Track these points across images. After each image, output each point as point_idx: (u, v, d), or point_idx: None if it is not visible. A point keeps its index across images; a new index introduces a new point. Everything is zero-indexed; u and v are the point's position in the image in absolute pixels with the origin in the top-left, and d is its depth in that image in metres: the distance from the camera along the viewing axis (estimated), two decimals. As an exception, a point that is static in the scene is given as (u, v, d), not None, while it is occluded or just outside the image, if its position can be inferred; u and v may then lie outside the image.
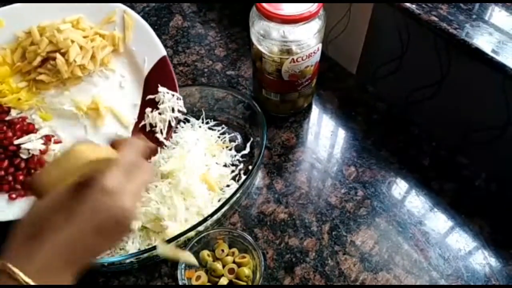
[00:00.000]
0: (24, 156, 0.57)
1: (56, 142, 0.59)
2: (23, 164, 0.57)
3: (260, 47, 0.65)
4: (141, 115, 0.62)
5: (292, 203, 0.65)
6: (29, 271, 0.31)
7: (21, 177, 0.56)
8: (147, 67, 0.61)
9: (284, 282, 0.57)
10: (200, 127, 0.72)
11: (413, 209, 0.64)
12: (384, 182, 0.67)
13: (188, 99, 0.73)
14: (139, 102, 0.62)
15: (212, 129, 0.72)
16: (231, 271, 0.56)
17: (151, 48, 0.61)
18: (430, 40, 0.63)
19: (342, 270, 0.58)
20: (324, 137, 0.73)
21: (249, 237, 0.56)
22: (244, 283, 0.55)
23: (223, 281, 0.55)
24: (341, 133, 0.74)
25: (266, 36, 0.64)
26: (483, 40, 0.57)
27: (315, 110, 0.78)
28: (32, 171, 0.57)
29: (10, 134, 0.56)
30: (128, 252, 0.58)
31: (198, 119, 0.74)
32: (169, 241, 0.54)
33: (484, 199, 0.65)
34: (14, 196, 0.56)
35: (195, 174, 0.62)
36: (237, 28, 0.92)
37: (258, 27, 0.64)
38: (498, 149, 0.64)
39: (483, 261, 0.59)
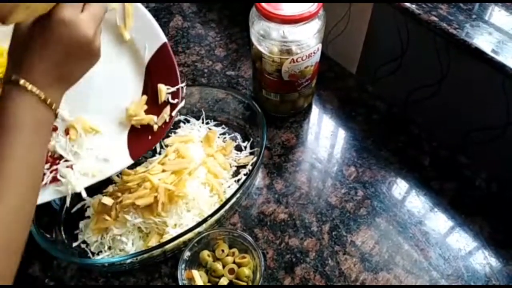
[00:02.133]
0: None
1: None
2: None
3: (260, 47, 0.65)
4: None
5: (292, 203, 0.65)
6: (32, 81, 0.40)
7: None
8: (147, 55, 0.61)
9: (284, 282, 0.57)
10: (200, 127, 0.72)
11: (413, 209, 0.64)
12: (384, 182, 0.67)
13: (188, 99, 0.73)
14: (140, 90, 0.61)
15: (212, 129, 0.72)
16: (231, 271, 0.56)
17: (152, 36, 0.60)
18: (430, 40, 0.63)
19: (342, 270, 0.58)
20: (324, 137, 0.73)
21: (249, 237, 0.56)
22: (244, 283, 0.55)
23: (223, 281, 0.55)
24: (341, 133, 0.74)
25: (266, 36, 0.64)
26: (483, 40, 0.57)
27: (315, 110, 0.78)
28: None
29: None
30: (128, 253, 0.58)
31: (198, 119, 0.74)
32: (169, 241, 0.54)
33: (485, 199, 0.65)
34: None
35: (198, 178, 0.63)
36: (237, 29, 0.92)
37: (258, 27, 0.64)
38: (498, 148, 0.64)
39: (483, 261, 0.59)
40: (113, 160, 0.58)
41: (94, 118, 0.59)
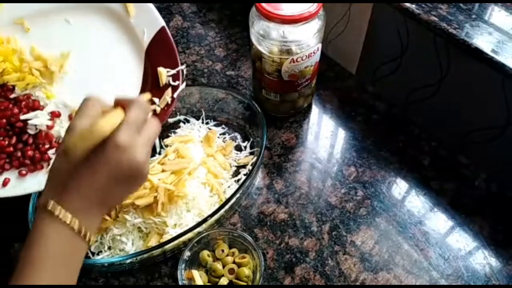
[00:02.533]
0: (32, 132, 0.58)
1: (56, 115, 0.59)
2: (31, 140, 0.58)
3: (260, 47, 0.65)
4: (143, 89, 0.62)
5: (292, 203, 0.65)
6: (66, 208, 0.38)
7: (29, 153, 0.57)
8: (146, 40, 0.61)
9: (284, 282, 0.57)
10: (200, 127, 0.72)
11: (413, 209, 0.64)
12: (384, 182, 0.67)
13: (188, 99, 0.73)
14: (141, 75, 0.62)
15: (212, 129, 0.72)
16: (231, 271, 0.56)
17: (150, 20, 0.61)
18: (429, 40, 0.63)
19: (342, 270, 0.58)
20: (324, 137, 0.73)
21: (249, 237, 0.56)
22: (244, 283, 0.55)
23: (223, 281, 0.55)
24: (341, 133, 0.74)
25: (266, 36, 0.64)
26: (482, 40, 0.57)
27: (315, 110, 0.78)
28: (40, 146, 0.58)
29: (16, 111, 0.57)
30: (128, 253, 0.58)
31: (198, 119, 0.74)
32: (169, 241, 0.54)
33: (484, 199, 0.65)
34: (24, 172, 0.57)
35: (198, 178, 0.63)
36: (236, 29, 0.92)
37: (257, 27, 0.64)
38: (498, 148, 0.64)
39: (483, 260, 0.59)
40: None
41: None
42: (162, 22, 0.60)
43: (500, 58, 0.54)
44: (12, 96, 0.58)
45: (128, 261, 0.54)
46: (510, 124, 0.60)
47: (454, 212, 0.63)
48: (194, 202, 0.61)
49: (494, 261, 0.58)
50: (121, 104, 0.41)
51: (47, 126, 0.58)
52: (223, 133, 0.73)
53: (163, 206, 0.58)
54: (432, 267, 0.58)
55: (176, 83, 0.61)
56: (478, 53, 0.56)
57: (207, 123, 0.74)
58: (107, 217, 0.59)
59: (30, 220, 0.56)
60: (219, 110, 0.74)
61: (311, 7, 0.60)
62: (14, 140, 0.57)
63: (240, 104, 0.72)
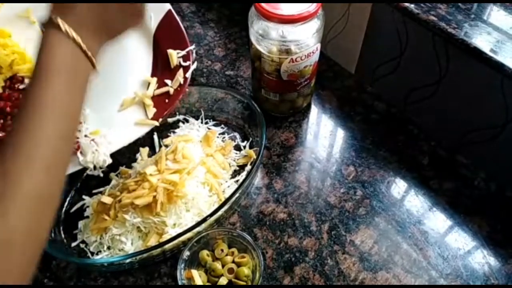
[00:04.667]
0: None
1: None
2: None
3: (259, 47, 0.65)
4: (154, 72, 0.64)
5: (291, 202, 0.65)
6: (70, 24, 0.38)
7: None
8: (154, 24, 0.62)
9: (283, 281, 0.57)
10: (199, 127, 0.72)
11: (412, 208, 0.64)
12: (383, 182, 0.67)
13: (187, 99, 0.73)
14: (151, 59, 0.64)
15: (211, 129, 0.72)
16: (230, 271, 0.56)
17: (156, 5, 0.62)
18: (428, 39, 0.64)
19: (342, 269, 0.58)
20: (323, 136, 0.74)
21: (248, 237, 0.56)
22: (244, 283, 0.55)
23: (223, 281, 0.55)
24: (340, 133, 0.74)
25: (265, 36, 0.64)
26: (481, 40, 0.57)
27: (314, 110, 0.78)
28: None
29: None
30: (127, 253, 0.58)
31: (197, 119, 0.74)
32: (168, 241, 0.54)
33: (483, 198, 0.65)
34: None
35: (197, 178, 0.63)
36: (236, 28, 0.92)
37: (257, 27, 0.64)
38: (497, 148, 0.64)
39: (482, 260, 0.59)
40: (134, 127, 0.60)
41: (109, 92, 0.61)
42: (168, 5, 0.61)
43: (499, 57, 0.55)
44: (22, 87, 0.58)
45: (128, 261, 0.54)
46: (509, 124, 0.61)
47: (453, 212, 0.63)
48: (194, 201, 0.61)
49: (493, 261, 0.59)
50: None
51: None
52: (222, 133, 0.73)
53: (162, 206, 0.58)
54: (431, 267, 0.58)
55: (187, 63, 0.62)
56: (477, 53, 0.56)
57: (206, 123, 0.74)
58: (106, 217, 0.59)
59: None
60: (218, 109, 0.74)
61: (310, 7, 0.60)
62: None
63: (239, 104, 0.72)
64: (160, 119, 0.61)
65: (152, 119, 0.61)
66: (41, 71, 0.38)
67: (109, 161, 0.57)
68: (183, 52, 0.62)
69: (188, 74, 0.62)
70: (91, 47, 0.40)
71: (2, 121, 0.57)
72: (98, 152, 0.56)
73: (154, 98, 0.63)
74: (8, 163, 0.34)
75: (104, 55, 0.60)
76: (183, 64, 0.62)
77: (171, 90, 0.62)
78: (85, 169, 0.57)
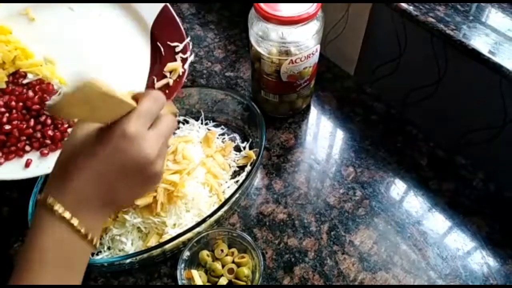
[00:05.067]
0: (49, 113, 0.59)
1: None
2: (49, 121, 0.59)
3: (259, 48, 0.66)
4: (153, 67, 0.65)
5: (291, 203, 0.65)
6: (65, 204, 0.34)
7: (49, 132, 0.59)
8: (150, 20, 0.64)
9: (283, 282, 0.58)
10: (199, 128, 0.73)
11: (411, 209, 0.64)
12: (382, 182, 0.67)
13: (187, 100, 0.74)
14: (148, 54, 0.65)
15: (211, 130, 0.72)
16: (230, 271, 0.56)
17: (153, 2, 0.64)
18: (427, 41, 0.64)
19: (341, 270, 0.58)
20: (323, 137, 0.74)
21: (248, 237, 0.56)
22: (244, 283, 0.55)
23: (223, 281, 0.55)
24: (340, 134, 0.74)
25: (265, 38, 0.64)
26: (480, 41, 0.57)
27: (314, 111, 0.78)
28: (59, 126, 0.59)
29: (31, 94, 0.59)
30: (127, 253, 0.58)
31: (197, 120, 0.74)
32: (168, 241, 0.54)
33: (482, 199, 0.65)
34: (46, 151, 0.58)
35: (197, 178, 0.63)
36: (236, 30, 0.92)
37: (256, 29, 0.65)
38: (495, 149, 0.65)
39: (481, 260, 0.59)
40: None
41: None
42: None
43: (497, 59, 0.55)
44: (25, 81, 0.60)
45: (128, 261, 0.54)
46: (507, 125, 0.61)
47: (452, 212, 0.64)
48: (194, 202, 0.61)
49: (492, 261, 0.59)
50: (136, 97, 0.38)
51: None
52: (222, 134, 0.73)
53: (163, 206, 0.58)
54: (430, 267, 0.58)
55: (186, 55, 0.64)
56: (475, 54, 0.57)
57: (206, 124, 0.74)
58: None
59: (29, 220, 0.56)
60: (218, 111, 0.75)
61: (310, 9, 0.60)
62: (32, 122, 0.59)
63: (239, 105, 0.72)
64: None
65: None
66: (31, 260, 0.34)
67: None
68: (181, 46, 0.63)
69: (187, 66, 0.64)
70: (92, 226, 0.36)
71: (7, 114, 0.58)
72: None
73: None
74: None
75: (101, 50, 0.61)
76: (182, 56, 0.64)
77: (171, 81, 0.63)
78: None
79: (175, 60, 0.64)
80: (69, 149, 0.36)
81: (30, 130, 0.58)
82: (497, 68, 0.55)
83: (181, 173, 0.61)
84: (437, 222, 0.63)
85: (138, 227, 0.59)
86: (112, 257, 0.57)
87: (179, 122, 0.74)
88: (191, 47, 0.64)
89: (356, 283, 0.57)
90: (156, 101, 0.38)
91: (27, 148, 0.58)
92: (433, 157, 0.70)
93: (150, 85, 0.63)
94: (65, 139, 0.37)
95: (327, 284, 0.57)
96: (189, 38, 0.64)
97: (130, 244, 0.58)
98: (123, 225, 0.59)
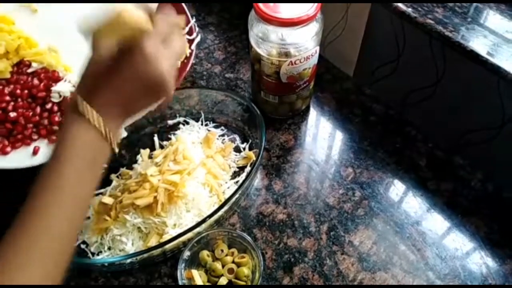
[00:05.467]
0: (56, 100, 0.59)
1: None
2: (56, 108, 0.60)
3: (258, 50, 0.66)
4: None
5: (290, 203, 0.65)
6: (94, 106, 0.38)
7: (56, 119, 0.59)
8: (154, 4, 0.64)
9: (283, 282, 0.58)
10: (199, 129, 0.73)
11: (410, 209, 0.65)
12: (381, 183, 0.68)
13: (187, 101, 0.74)
14: None
15: (211, 131, 0.73)
16: (230, 271, 0.56)
17: None
18: (426, 42, 0.64)
19: (341, 270, 0.59)
20: (322, 138, 0.74)
21: (248, 237, 0.57)
22: (244, 283, 0.55)
23: (223, 281, 0.55)
24: (339, 135, 0.75)
25: (265, 39, 0.64)
26: (478, 43, 0.58)
27: (313, 112, 0.78)
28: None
29: (36, 82, 0.59)
30: (128, 253, 0.58)
31: (197, 121, 0.74)
32: (169, 241, 0.55)
33: (481, 199, 0.65)
34: (54, 138, 0.59)
35: (197, 179, 0.63)
36: (235, 32, 0.92)
37: (256, 30, 0.65)
38: (494, 149, 0.65)
39: (479, 260, 0.59)
40: None
41: None
42: None
43: (495, 60, 0.55)
44: (30, 70, 0.60)
45: (128, 261, 0.54)
46: (505, 125, 0.61)
47: (451, 213, 0.64)
48: (194, 202, 0.61)
49: (490, 261, 0.59)
50: (149, 13, 0.41)
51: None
52: (222, 135, 0.73)
53: (163, 206, 0.58)
54: (429, 267, 0.59)
55: (192, 37, 0.65)
56: (474, 56, 0.57)
57: (206, 125, 0.74)
58: (107, 217, 0.59)
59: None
60: (218, 112, 0.75)
61: (309, 10, 0.61)
62: (38, 110, 0.59)
63: (239, 106, 0.73)
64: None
65: None
66: (59, 157, 0.38)
67: (124, 133, 0.60)
68: (187, 28, 0.64)
69: (193, 46, 0.65)
70: (113, 130, 0.40)
71: (13, 103, 0.58)
72: None
73: None
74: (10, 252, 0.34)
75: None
76: (188, 37, 0.65)
77: (179, 63, 0.64)
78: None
79: None
80: (97, 61, 0.40)
81: (37, 118, 0.58)
82: (495, 69, 0.55)
83: (182, 174, 0.62)
84: (436, 222, 0.63)
85: (139, 227, 0.60)
86: (112, 257, 0.58)
87: (179, 123, 0.74)
88: (196, 29, 0.65)
89: (356, 283, 0.58)
90: (170, 22, 0.42)
91: (34, 136, 0.58)
92: (431, 157, 0.70)
93: None
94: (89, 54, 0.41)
95: (326, 284, 0.57)
96: (194, 20, 0.65)
97: (130, 244, 0.59)
98: (124, 225, 0.59)
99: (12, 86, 0.58)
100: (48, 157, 0.38)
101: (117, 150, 0.41)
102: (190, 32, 0.65)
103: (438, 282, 0.57)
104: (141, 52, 0.39)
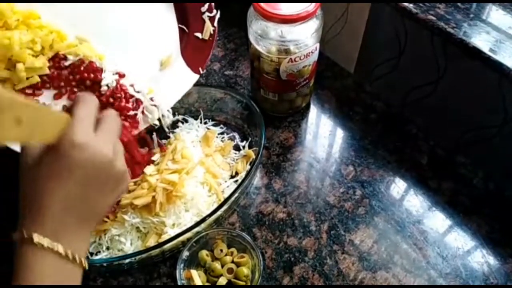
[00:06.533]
0: (103, 92, 0.58)
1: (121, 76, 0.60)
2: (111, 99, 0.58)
3: (258, 47, 0.65)
4: (181, 31, 0.66)
5: (290, 202, 0.65)
6: (45, 233, 0.33)
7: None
8: None
9: (283, 281, 0.57)
10: (198, 127, 0.72)
11: (411, 208, 0.64)
12: (382, 181, 0.67)
13: (186, 99, 0.73)
14: (174, 17, 0.66)
15: (210, 129, 0.72)
16: (230, 270, 0.56)
17: None
18: (427, 39, 0.64)
19: (341, 269, 0.58)
20: (322, 136, 0.74)
21: (247, 237, 0.56)
22: (243, 283, 0.55)
23: (222, 281, 0.55)
24: (339, 133, 0.74)
25: (264, 36, 0.64)
26: (480, 39, 0.57)
27: (313, 110, 0.78)
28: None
29: (84, 75, 0.57)
30: (126, 253, 0.58)
31: (196, 119, 0.74)
32: (168, 241, 0.54)
33: (482, 198, 0.65)
34: None
35: (196, 178, 0.63)
36: (235, 29, 0.92)
37: (256, 27, 0.64)
38: (495, 147, 0.65)
39: (481, 259, 0.59)
40: (180, 81, 0.63)
41: (145, 53, 0.64)
42: None
43: (498, 57, 0.55)
44: (67, 63, 0.57)
45: (127, 261, 0.54)
46: (507, 123, 0.61)
47: (452, 211, 0.63)
48: (193, 202, 0.61)
49: (492, 260, 0.59)
50: (66, 109, 0.38)
51: (117, 81, 0.58)
52: (222, 133, 0.73)
53: (162, 206, 0.58)
54: (431, 266, 0.58)
55: (212, 13, 0.65)
56: (476, 52, 0.56)
57: (205, 123, 0.74)
58: (105, 218, 0.59)
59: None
60: (218, 110, 0.74)
61: (309, 7, 0.60)
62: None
63: (238, 104, 0.72)
64: (203, 70, 0.64)
65: (193, 70, 0.64)
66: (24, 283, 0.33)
67: (171, 116, 0.62)
68: (206, 5, 0.65)
69: (216, 23, 0.65)
70: (77, 247, 0.35)
71: (66, 94, 0.56)
72: (160, 109, 0.59)
73: (188, 52, 0.65)
74: None
75: (128, 23, 0.61)
76: (209, 15, 0.65)
77: (206, 37, 0.65)
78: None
79: (202, 20, 0.65)
80: (27, 177, 0.35)
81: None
82: (498, 66, 0.55)
83: (180, 173, 0.61)
84: (437, 221, 0.63)
85: (137, 227, 0.59)
86: (111, 257, 0.57)
87: (178, 121, 0.74)
88: (214, 5, 0.66)
89: (356, 283, 0.57)
90: (89, 103, 0.37)
91: None
92: (433, 156, 0.70)
93: (193, 38, 0.65)
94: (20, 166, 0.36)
95: (327, 283, 0.57)
96: None
97: (129, 244, 0.58)
98: (122, 225, 0.59)
99: (56, 82, 0.56)
100: None
101: (86, 266, 0.37)
102: (209, 9, 0.65)
103: (440, 282, 0.57)
104: (71, 143, 0.34)
